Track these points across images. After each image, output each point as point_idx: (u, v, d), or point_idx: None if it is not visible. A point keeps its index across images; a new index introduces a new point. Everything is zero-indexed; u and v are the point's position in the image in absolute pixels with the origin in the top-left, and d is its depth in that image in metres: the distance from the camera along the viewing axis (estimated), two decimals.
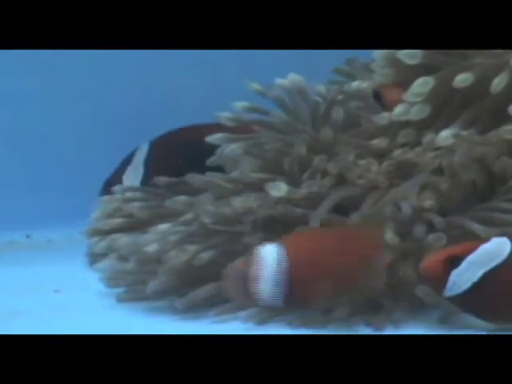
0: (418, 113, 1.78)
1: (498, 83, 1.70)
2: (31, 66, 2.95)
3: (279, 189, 1.75)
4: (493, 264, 1.44)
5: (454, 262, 1.44)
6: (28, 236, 2.80)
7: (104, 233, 2.07)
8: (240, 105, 1.97)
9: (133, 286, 1.83)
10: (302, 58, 2.70)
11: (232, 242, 1.73)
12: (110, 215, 2.07)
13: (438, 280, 1.46)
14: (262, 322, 1.62)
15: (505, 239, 1.46)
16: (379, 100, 1.85)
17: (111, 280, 1.87)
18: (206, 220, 1.75)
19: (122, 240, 1.92)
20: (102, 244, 2.03)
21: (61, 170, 2.97)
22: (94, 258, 2.09)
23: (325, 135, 1.85)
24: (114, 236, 2.00)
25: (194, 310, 1.70)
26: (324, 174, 1.80)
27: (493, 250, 1.45)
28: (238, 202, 1.75)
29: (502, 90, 1.70)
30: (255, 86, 1.99)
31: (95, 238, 2.07)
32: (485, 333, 1.45)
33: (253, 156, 1.89)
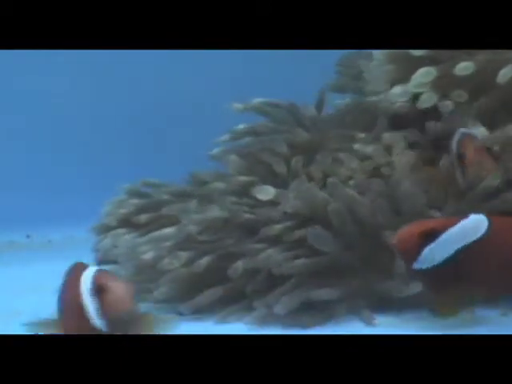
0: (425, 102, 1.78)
1: (504, 74, 1.70)
2: (31, 65, 2.96)
3: (267, 192, 1.77)
4: (468, 240, 1.42)
5: (429, 236, 1.42)
6: (28, 236, 2.80)
7: (110, 229, 2.12)
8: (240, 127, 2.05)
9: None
10: (302, 58, 2.71)
11: (224, 246, 1.74)
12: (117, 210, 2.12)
13: (411, 253, 1.43)
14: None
15: (482, 216, 1.44)
16: (462, 160, 1.75)
17: None
18: (193, 228, 1.77)
19: (122, 242, 1.96)
20: (106, 241, 2.10)
21: (61, 170, 2.98)
22: (101, 253, 2.13)
23: (299, 135, 1.88)
24: (117, 232, 2.04)
25: (197, 312, 1.71)
26: (310, 177, 1.82)
27: (471, 226, 1.43)
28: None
29: (509, 81, 1.70)
30: (236, 105, 2.03)
31: (101, 236, 2.12)
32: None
33: (239, 157, 1.92)
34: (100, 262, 2.13)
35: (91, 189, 2.62)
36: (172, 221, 1.90)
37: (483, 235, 1.42)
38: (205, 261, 1.72)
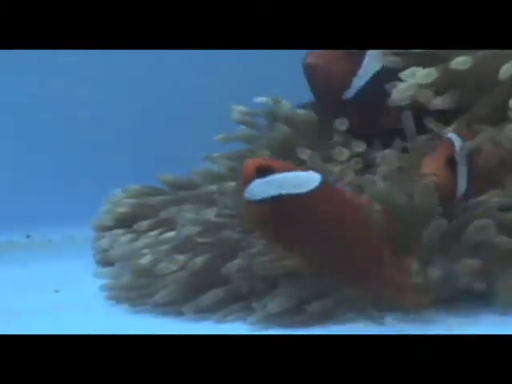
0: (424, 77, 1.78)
1: (506, 69, 1.69)
2: (31, 65, 2.96)
3: None
4: (290, 191, 1.47)
5: (261, 172, 1.48)
6: (28, 236, 2.80)
7: (108, 228, 2.12)
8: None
9: (135, 301, 1.83)
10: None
11: (222, 247, 1.74)
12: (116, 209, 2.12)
13: (245, 182, 1.49)
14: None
15: (318, 177, 1.48)
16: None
17: (113, 295, 1.89)
18: (189, 230, 1.77)
19: (119, 244, 1.97)
20: (103, 241, 2.09)
21: (61, 170, 2.98)
22: (99, 253, 2.13)
23: (279, 131, 1.89)
24: (115, 232, 2.04)
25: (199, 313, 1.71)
26: None
27: (300, 180, 1.48)
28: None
29: (510, 77, 1.69)
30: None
31: (99, 234, 2.12)
32: None
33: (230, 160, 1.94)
34: (97, 263, 2.13)
35: (91, 189, 2.61)
36: (171, 223, 1.90)
37: (305, 193, 1.47)
38: (201, 259, 1.72)
